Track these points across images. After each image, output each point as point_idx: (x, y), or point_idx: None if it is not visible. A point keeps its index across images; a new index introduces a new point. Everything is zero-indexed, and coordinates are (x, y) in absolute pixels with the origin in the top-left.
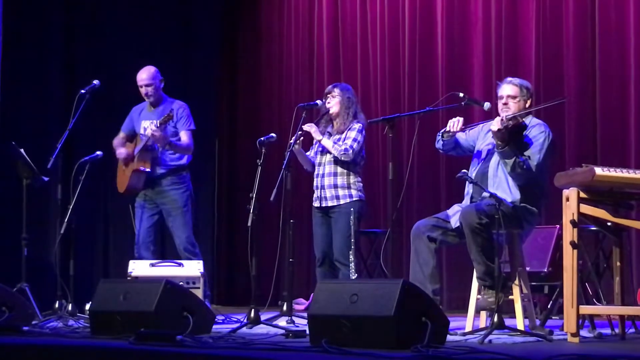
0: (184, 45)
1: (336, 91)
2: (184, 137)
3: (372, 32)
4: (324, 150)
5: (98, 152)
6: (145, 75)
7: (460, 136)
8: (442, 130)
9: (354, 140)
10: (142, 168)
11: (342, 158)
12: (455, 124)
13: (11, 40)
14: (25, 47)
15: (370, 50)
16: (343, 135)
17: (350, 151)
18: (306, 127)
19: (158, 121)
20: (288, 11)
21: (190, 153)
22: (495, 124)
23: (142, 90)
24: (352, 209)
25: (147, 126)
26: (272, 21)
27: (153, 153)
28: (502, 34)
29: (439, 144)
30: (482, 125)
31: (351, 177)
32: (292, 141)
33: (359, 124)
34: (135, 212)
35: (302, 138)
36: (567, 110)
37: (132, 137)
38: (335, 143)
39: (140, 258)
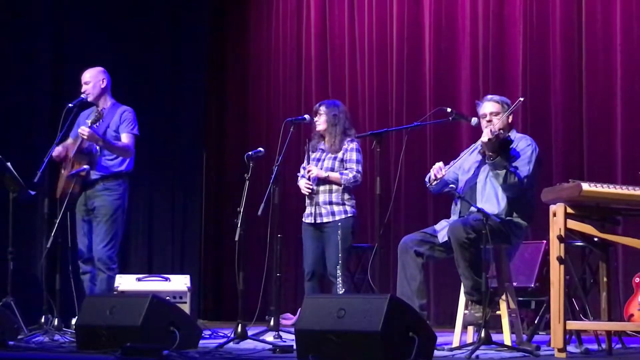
0: (172, 59)
1: (322, 109)
2: (125, 139)
3: (360, 46)
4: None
5: (85, 166)
6: (87, 73)
7: (449, 174)
8: (429, 178)
9: (357, 162)
10: (75, 170)
11: (353, 186)
12: (437, 170)
13: None
14: (12, 59)
15: (358, 65)
16: (340, 156)
17: (359, 176)
18: (312, 172)
19: (89, 120)
20: (276, 25)
21: (129, 156)
22: (485, 135)
23: (82, 89)
24: (345, 225)
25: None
26: (260, 35)
27: (90, 156)
28: (490, 50)
29: (430, 189)
30: (462, 153)
31: (345, 194)
32: (279, 161)
33: (354, 143)
34: (76, 221)
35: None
36: (553, 125)
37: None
38: (341, 174)
39: (85, 272)
